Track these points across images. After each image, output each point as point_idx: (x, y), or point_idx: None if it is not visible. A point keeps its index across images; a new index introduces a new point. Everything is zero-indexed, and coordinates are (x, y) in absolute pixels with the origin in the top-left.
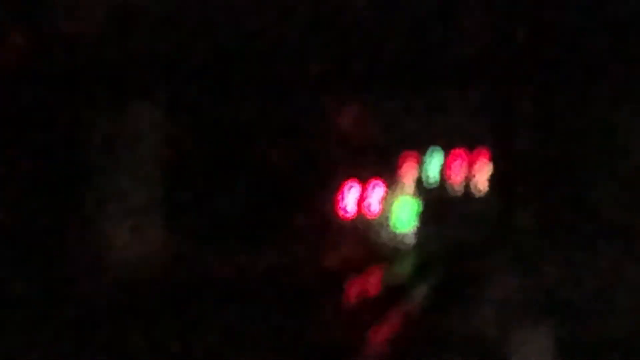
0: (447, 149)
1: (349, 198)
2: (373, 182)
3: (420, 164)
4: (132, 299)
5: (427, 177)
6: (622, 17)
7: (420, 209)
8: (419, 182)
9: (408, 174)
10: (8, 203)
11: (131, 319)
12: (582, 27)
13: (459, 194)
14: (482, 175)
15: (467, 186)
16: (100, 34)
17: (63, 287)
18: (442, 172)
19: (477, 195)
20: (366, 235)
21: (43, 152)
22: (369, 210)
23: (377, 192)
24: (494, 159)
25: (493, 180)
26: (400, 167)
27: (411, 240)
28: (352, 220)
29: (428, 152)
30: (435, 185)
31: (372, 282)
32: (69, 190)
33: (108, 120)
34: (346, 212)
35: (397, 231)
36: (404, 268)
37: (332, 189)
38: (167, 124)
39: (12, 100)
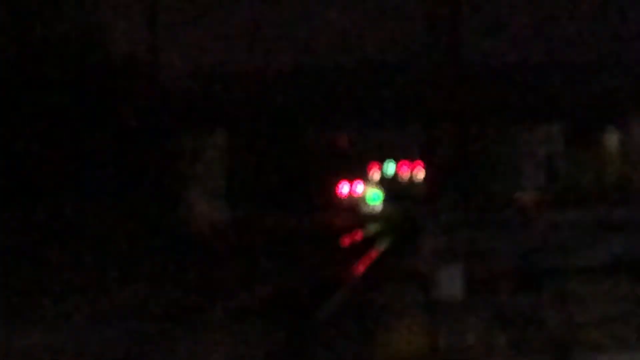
0: (397, 160)
1: (344, 188)
2: (356, 180)
3: (381, 168)
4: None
5: (386, 175)
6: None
7: (383, 194)
8: (382, 179)
9: (375, 175)
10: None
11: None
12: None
13: (406, 186)
14: (419, 176)
15: (410, 182)
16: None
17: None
18: (395, 173)
19: (417, 187)
20: (354, 206)
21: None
22: (355, 194)
23: (359, 185)
24: (426, 167)
25: (425, 179)
26: (370, 170)
27: (379, 211)
28: (346, 198)
29: (385, 162)
30: (390, 180)
31: (357, 236)
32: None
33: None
34: (342, 194)
35: (371, 205)
36: (376, 228)
37: (335, 184)
38: (232, 144)
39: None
